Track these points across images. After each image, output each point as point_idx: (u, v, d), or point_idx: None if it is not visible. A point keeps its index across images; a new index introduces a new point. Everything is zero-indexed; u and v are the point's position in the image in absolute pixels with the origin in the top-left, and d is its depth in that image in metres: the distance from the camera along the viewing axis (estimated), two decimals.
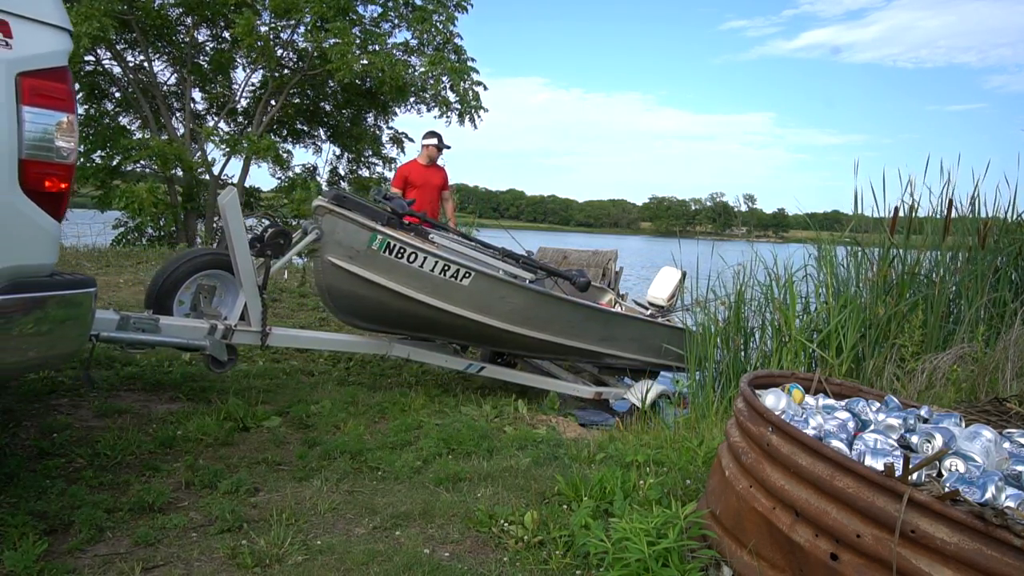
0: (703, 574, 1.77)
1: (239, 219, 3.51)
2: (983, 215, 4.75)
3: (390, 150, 14.72)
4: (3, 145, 1.78)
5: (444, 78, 11.90)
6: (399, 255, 3.94)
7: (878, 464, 1.59)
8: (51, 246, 1.94)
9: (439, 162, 6.17)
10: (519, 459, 2.90)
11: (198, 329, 3.41)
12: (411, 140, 14.56)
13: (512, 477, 2.68)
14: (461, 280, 4.13)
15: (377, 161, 14.71)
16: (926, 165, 4.67)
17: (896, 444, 1.77)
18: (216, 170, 12.40)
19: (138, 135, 12.24)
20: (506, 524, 2.20)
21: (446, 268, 4.07)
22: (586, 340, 4.79)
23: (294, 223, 10.72)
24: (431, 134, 6.09)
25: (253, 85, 13.29)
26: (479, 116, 12.40)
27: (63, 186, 1.93)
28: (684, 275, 5.62)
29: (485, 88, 12.45)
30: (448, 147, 6.11)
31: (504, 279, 4.41)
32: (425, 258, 4.00)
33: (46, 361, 2.16)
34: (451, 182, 6.41)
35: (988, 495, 1.45)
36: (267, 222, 4.97)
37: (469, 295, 4.18)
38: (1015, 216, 4.79)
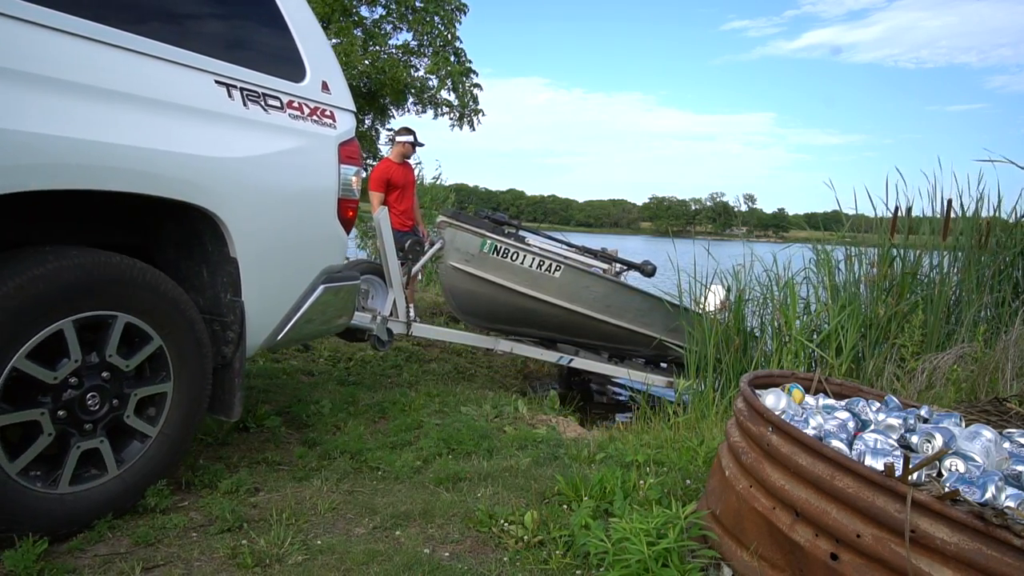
0: (703, 574, 1.77)
1: (390, 233, 4.54)
2: (983, 215, 4.75)
3: (386, 151, 14.72)
4: (331, 190, 2.70)
5: (447, 80, 11.91)
6: (503, 255, 4.91)
7: (878, 464, 1.59)
8: (344, 253, 2.90)
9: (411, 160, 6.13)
10: (519, 459, 2.90)
11: (366, 319, 4.47)
12: None
13: (512, 477, 2.68)
14: (553, 272, 5.01)
15: (373, 163, 14.72)
16: (941, 165, 4.66)
17: (896, 444, 1.77)
18: None
19: None
20: (506, 524, 2.20)
21: (540, 263, 4.98)
22: (655, 329, 5.42)
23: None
24: (406, 130, 5.92)
25: None
26: (478, 119, 12.43)
27: (351, 214, 2.84)
28: (729, 289, 6.00)
29: (481, 89, 12.48)
30: (422, 144, 5.95)
31: (587, 270, 5.26)
32: (524, 255, 4.93)
33: (337, 327, 3.08)
34: (451, 182, 6.45)
35: (988, 495, 1.45)
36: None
37: (560, 286, 5.03)
38: (1016, 217, 4.79)
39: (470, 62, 12.67)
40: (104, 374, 2.01)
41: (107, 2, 2.00)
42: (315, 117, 2.64)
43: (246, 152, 2.33)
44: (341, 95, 2.80)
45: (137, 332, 2.09)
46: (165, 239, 2.45)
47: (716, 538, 1.90)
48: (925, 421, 1.99)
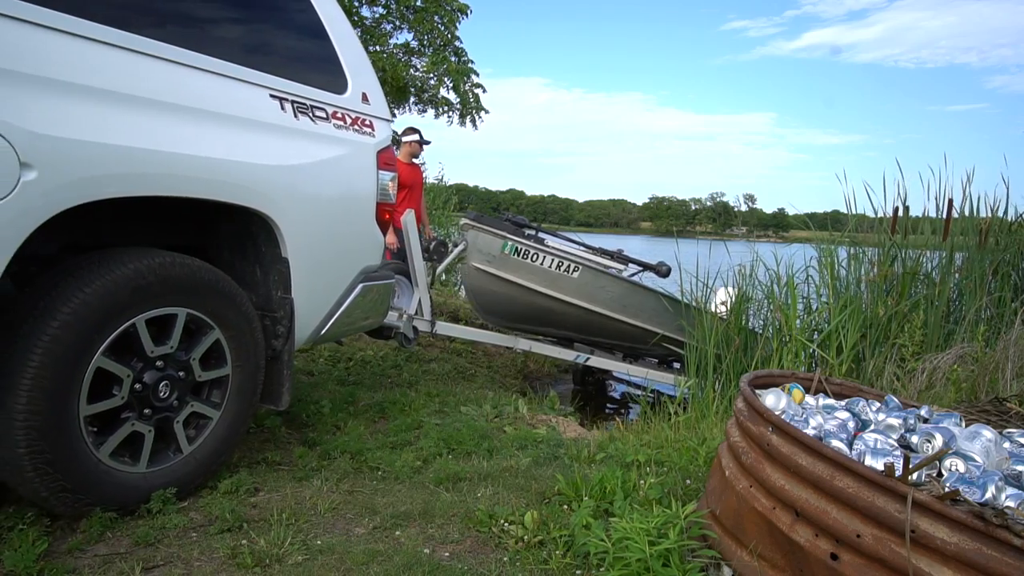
0: (703, 574, 1.77)
1: (416, 234, 4.70)
2: (983, 215, 4.75)
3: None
4: (371, 194, 2.89)
5: (446, 79, 11.90)
6: (524, 256, 5.10)
7: (878, 464, 1.59)
8: (380, 254, 3.05)
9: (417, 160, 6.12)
10: (519, 459, 2.90)
11: (393, 316, 4.58)
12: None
13: (512, 477, 2.68)
14: (571, 273, 5.20)
15: None
16: (950, 163, 4.69)
17: (896, 444, 1.77)
18: None
19: None
20: (506, 524, 2.20)
21: (559, 263, 5.16)
22: (668, 328, 5.52)
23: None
24: (412, 130, 5.93)
25: None
26: (480, 117, 12.42)
27: (388, 216, 3.02)
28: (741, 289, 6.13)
29: (484, 91, 12.47)
30: (428, 142, 5.96)
31: (604, 271, 5.42)
32: (543, 256, 5.11)
33: (373, 323, 3.22)
34: (451, 182, 6.47)
35: (988, 495, 1.45)
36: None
37: (578, 286, 5.22)
38: (1016, 216, 4.79)
39: (472, 62, 12.68)
40: (171, 364, 2.21)
41: (183, 26, 2.24)
42: (356, 127, 2.84)
43: (297, 160, 2.53)
44: (379, 105, 3.01)
45: (198, 325, 2.28)
46: (221, 240, 2.64)
47: (716, 538, 1.89)
48: (925, 421, 1.98)
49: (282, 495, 2.41)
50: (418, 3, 12.33)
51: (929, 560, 1.36)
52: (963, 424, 1.96)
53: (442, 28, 12.28)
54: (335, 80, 2.80)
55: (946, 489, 1.43)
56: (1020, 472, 1.62)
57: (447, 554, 2.06)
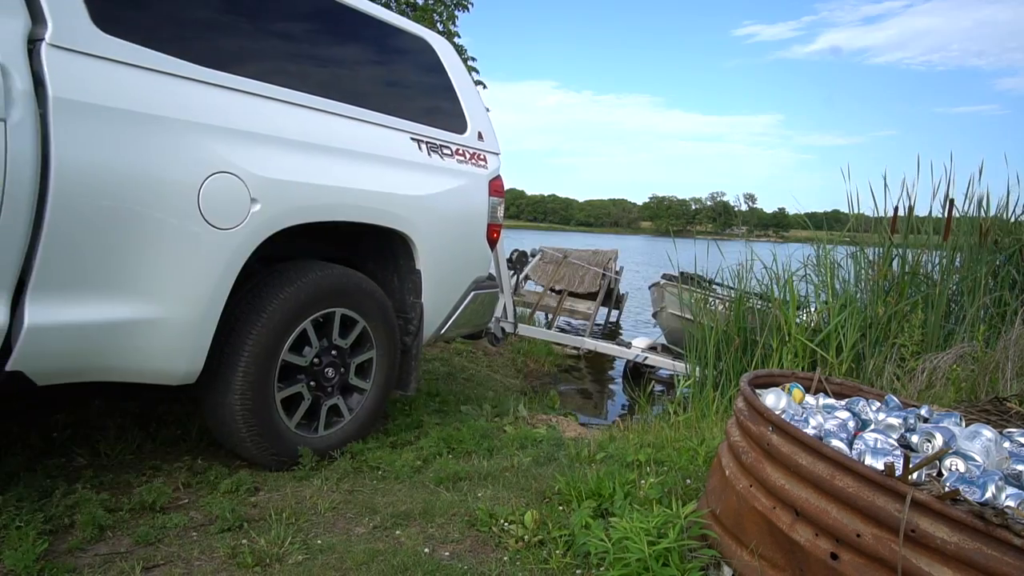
0: (703, 574, 1.77)
1: (501, 244, 5.14)
2: (987, 214, 4.74)
3: None
4: (483, 217, 3.43)
5: None
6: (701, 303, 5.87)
7: (878, 463, 1.59)
8: (490, 266, 3.58)
9: None
10: (519, 458, 2.90)
11: None
12: None
13: (512, 476, 2.68)
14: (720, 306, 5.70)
15: None
16: (942, 163, 4.67)
17: (896, 443, 1.77)
18: None
19: None
20: (506, 524, 2.20)
21: (717, 302, 5.80)
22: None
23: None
24: None
25: None
26: None
27: (496, 235, 3.57)
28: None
29: (484, 87, 12.45)
30: None
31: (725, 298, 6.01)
32: (713, 300, 5.80)
33: (480, 325, 3.71)
34: None
35: (988, 495, 1.45)
36: None
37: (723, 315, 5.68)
38: (1014, 215, 4.79)
39: (474, 59, 12.66)
40: (333, 352, 2.78)
41: (351, 87, 2.87)
42: (473, 161, 3.42)
43: (429, 190, 3.08)
44: (491, 141, 3.62)
45: (350, 319, 2.82)
46: (365, 253, 3.22)
47: (716, 537, 1.89)
48: (925, 420, 1.98)
49: (282, 494, 2.41)
50: (419, 1, 12.32)
51: (929, 560, 1.36)
52: (963, 424, 1.96)
53: (440, 27, 12.28)
54: (458, 122, 3.42)
55: (946, 489, 1.43)
56: (1020, 472, 1.62)
57: (447, 554, 2.06)
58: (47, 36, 1.85)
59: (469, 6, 12.73)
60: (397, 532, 2.18)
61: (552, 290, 10.35)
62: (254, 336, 2.41)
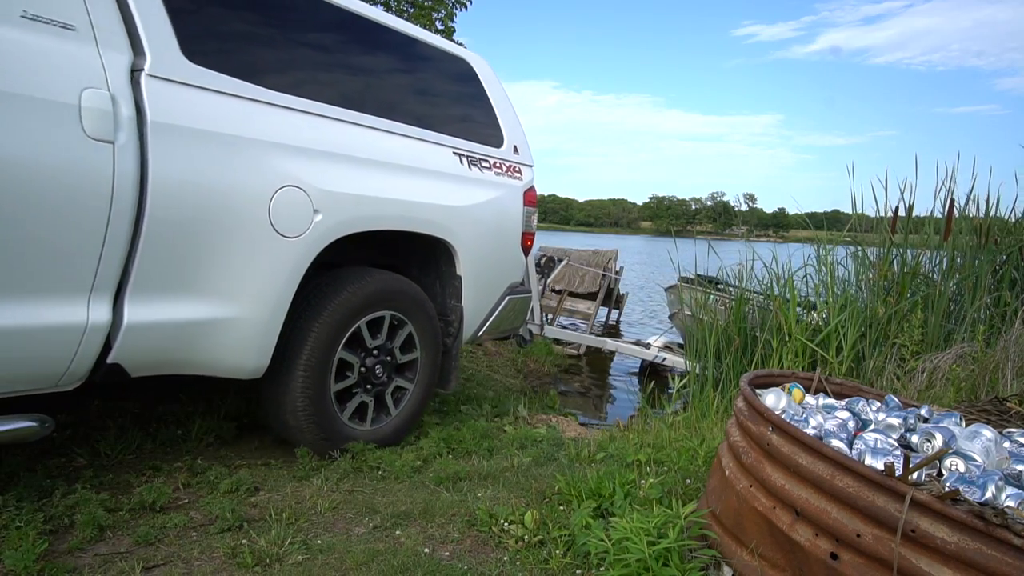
0: (703, 574, 1.77)
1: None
2: (987, 214, 4.74)
3: None
4: (518, 226, 3.60)
5: None
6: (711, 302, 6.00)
7: (878, 463, 1.59)
8: (523, 272, 3.74)
9: None
10: (519, 458, 2.90)
11: None
12: None
13: (512, 476, 2.68)
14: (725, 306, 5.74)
15: None
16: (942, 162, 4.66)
17: (896, 443, 1.77)
18: None
19: None
20: (506, 523, 2.20)
21: (723, 302, 5.94)
22: None
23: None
24: None
25: None
26: None
27: (529, 243, 3.74)
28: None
29: None
30: None
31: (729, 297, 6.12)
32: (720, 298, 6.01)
33: (515, 328, 3.88)
34: None
35: (988, 495, 1.45)
36: None
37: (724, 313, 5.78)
38: (1015, 215, 4.78)
39: None
40: (382, 351, 2.95)
41: (405, 107, 3.08)
42: (509, 173, 3.59)
43: (470, 201, 3.26)
44: (525, 154, 3.78)
45: (398, 321, 3.00)
46: (410, 260, 3.39)
47: (716, 537, 1.89)
48: (925, 420, 1.98)
49: (282, 494, 2.41)
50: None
51: (929, 560, 1.36)
52: (963, 424, 1.96)
53: (440, 26, 12.28)
54: (495, 137, 3.59)
55: (946, 489, 1.43)
56: (1020, 472, 1.62)
57: (447, 554, 2.06)
58: (146, 67, 2.06)
59: (468, 4, 12.74)
60: (397, 532, 2.18)
61: (552, 290, 10.37)
62: (314, 335, 2.60)
